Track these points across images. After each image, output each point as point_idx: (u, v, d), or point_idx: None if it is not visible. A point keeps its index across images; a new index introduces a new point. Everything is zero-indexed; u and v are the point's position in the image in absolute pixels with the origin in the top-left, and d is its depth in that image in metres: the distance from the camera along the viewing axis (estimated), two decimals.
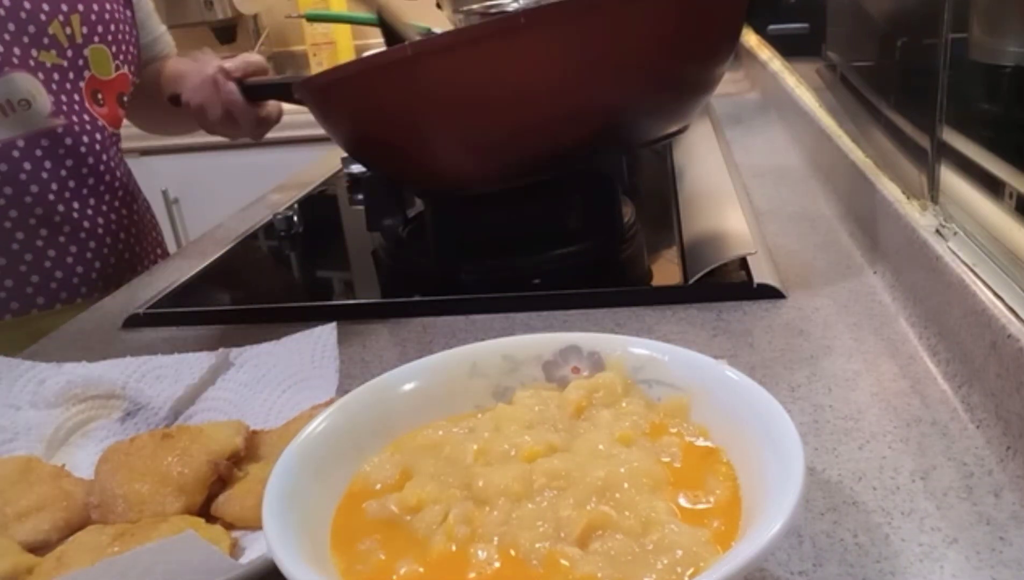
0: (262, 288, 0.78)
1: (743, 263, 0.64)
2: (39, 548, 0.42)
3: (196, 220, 2.12)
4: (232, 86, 0.83)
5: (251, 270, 0.81)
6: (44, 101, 0.82)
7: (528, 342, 0.44)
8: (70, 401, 0.52)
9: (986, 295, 0.44)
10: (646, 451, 0.37)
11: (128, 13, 0.95)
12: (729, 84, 1.40)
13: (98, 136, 0.87)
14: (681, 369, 0.40)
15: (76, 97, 0.86)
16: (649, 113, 0.66)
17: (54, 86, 0.84)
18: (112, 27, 0.90)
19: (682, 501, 0.34)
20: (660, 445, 0.37)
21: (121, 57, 0.91)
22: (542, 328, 0.61)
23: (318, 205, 1.00)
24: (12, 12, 0.80)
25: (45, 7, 0.82)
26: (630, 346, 0.42)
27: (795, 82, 1.06)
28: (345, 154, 1.07)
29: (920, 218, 0.57)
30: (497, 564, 0.31)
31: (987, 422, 0.43)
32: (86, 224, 0.87)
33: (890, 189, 0.63)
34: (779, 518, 0.29)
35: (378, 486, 0.37)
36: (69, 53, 0.85)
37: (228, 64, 0.85)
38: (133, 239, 0.94)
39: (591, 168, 0.69)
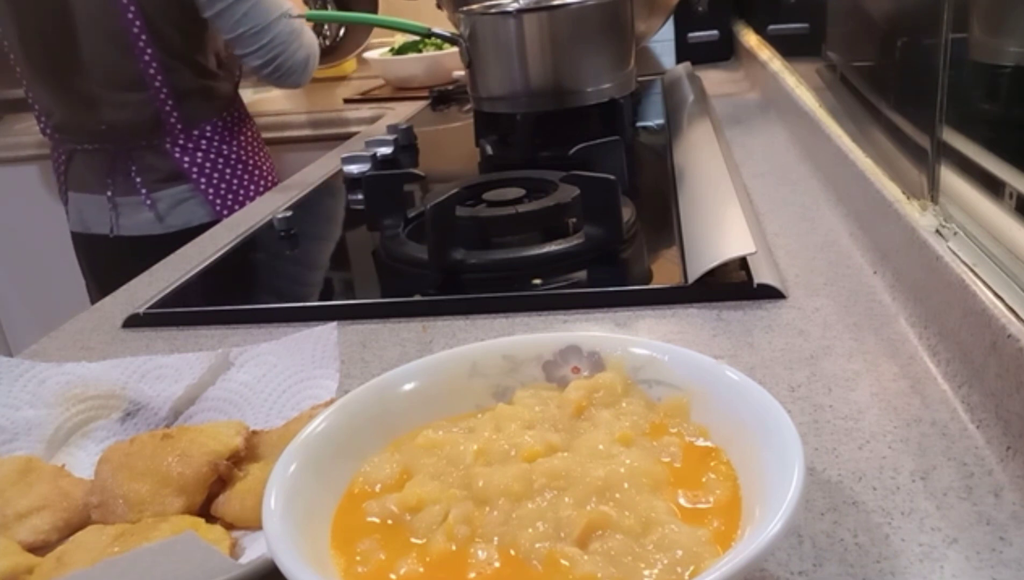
0: (262, 288, 0.78)
1: (743, 263, 0.64)
2: (39, 548, 0.42)
3: None
4: None
5: (251, 270, 0.81)
6: None
7: (528, 342, 0.44)
8: (70, 401, 0.52)
9: (986, 295, 0.44)
10: (646, 451, 0.37)
11: None
12: (729, 84, 1.40)
13: None
14: (681, 369, 0.40)
15: None
16: None
17: None
18: None
19: (682, 501, 0.34)
20: (660, 445, 0.37)
21: None
22: (542, 328, 0.61)
23: (318, 205, 1.00)
24: None
25: None
26: (630, 346, 0.42)
27: (795, 82, 1.06)
28: (345, 154, 1.07)
29: (920, 218, 0.57)
30: (497, 564, 0.31)
31: (987, 422, 0.43)
32: None
33: (890, 189, 0.63)
34: (779, 518, 0.29)
35: (378, 486, 0.37)
36: None
37: None
38: None
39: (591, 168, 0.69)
